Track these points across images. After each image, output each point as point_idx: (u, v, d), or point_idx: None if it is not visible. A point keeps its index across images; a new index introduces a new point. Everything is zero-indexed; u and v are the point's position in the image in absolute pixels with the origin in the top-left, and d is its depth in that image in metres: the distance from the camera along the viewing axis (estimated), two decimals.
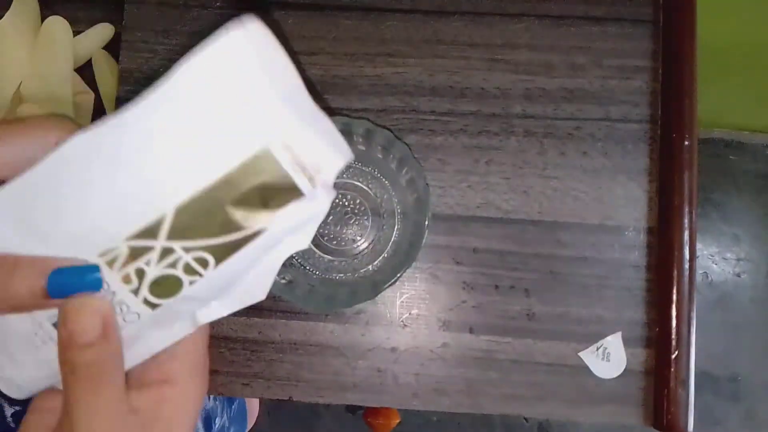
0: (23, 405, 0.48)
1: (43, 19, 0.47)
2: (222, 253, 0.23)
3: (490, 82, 0.42)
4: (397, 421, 0.66)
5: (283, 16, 0.43)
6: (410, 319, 0.40)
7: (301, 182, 0.23)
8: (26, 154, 0.21)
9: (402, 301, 0.41)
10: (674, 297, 0.39)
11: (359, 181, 0.41)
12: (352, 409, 1.09)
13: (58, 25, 0.48)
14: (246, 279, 0.26)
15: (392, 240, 0.40)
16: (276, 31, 0.36)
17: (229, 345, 0.40)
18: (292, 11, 0.43)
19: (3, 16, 0.46)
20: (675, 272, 0.39)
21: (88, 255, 0.22)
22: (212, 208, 0.23)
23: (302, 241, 0.26)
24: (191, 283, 0.24)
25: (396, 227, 0.40)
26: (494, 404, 0.40)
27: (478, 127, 0.41)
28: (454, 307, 0.40)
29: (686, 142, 0.40)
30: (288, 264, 0.39)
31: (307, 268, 0.40)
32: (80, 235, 0.22)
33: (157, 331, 0.25)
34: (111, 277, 0.23)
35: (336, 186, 0.40)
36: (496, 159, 0.41)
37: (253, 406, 0.93)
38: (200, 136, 0.21)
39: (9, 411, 0.46)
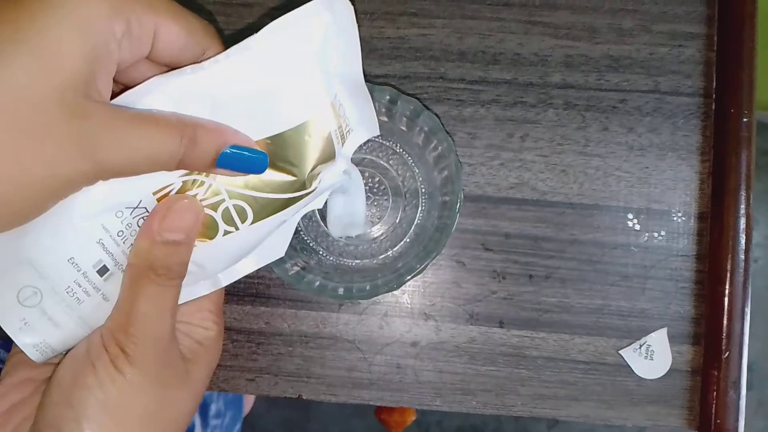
0: None
1: None
2: (260, 209, 0.25)
3: (526, 47, 0.37)
4: (413, 418, 0.63)
5: None
6: (433, 310, 0.36)
7: (338, 149, 0.25)
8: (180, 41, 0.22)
9: (425, 291, 0.37)
10: (726, 290, 0.35)
11: (378, 157, 0.37)
12: None
13: None
14: (267, 243, 0.27)
15: (415, 223, 0.36)
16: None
17: (233, 336, 0.36)
18: None
19: None
20: (729, 263, 0.35)
21: (145, 192, 0.23)
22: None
23: (318, 202, 0.28)
24: (225, 233, 0.25)
25: (420, 208, 0.36)
26: (525, 405, 0.36)
27: (512, 97, 0.37)
28: (482, 298, 0.36)
29: (744, 119, 0.36)
30: (300, 248, 0.35)
31: (321, 252, 0.36)
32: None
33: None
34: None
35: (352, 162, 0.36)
36: (531, 134, 0.37)
37: None
38: (270, 91, 0.22)
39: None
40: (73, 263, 0.23)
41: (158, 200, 0.23)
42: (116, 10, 0.19)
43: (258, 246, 0.27)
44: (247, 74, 0.22)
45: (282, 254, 0.28)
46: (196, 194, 0.24)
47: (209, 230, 0.25)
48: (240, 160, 0.23)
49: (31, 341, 0.24)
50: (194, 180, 0.24)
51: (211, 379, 0.29)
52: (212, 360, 0.27)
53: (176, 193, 0.23)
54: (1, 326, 0.23)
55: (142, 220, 0.23)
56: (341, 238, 0.36)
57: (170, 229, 0.23)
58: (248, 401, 0.89)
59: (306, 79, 0.23)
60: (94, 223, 0.22)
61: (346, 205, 0.33)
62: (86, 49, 0.19)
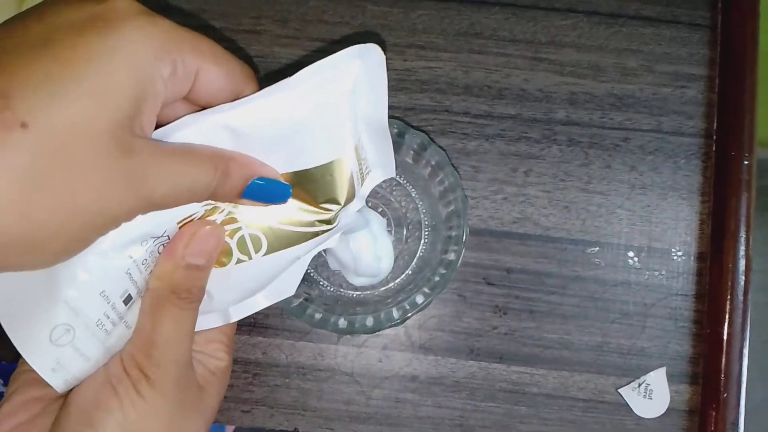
0: None
1: None
2: (275, 241, 0.25)
3: (531, 83, 0.37)
4: None
5: None
6: (433, 344, 0.36)
7: (357, 189, 0.26)
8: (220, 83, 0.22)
9: (425, 324, 0.36)
10: (725, 331, 0.36)
11: (381, 188, 0.36)
12: None
13: None
14: (278, 280, 0.27)
15: (418, 255, 0.36)
16: (293, 14, 0.31)
17: None
18: None
19: None
20: (728, 304, 0.36)
21: (170, 224, 0.23)
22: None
23: (332, 240, 0.28)
24: (238, 261, 0.25)
25: (423, 241, 0.36)
26: None
27: (516, 132, 0.37)
28: (483, 333, 0.36)
29: (745, 162, 0.36)
30: (302, 279, 0.34)
31: (322, 283, 0.35)
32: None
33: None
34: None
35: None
36: (535, 169, 0.37)
37: None
38: (300, 129, 0.23)
39: None
40: (104, 296, 0.23)
41: (180, 227, 0.24)
42: (165, 52, 0.20)
43: (270, 282, 0.27)
44: (280, 113, 0.22)
45: (292, 293, 0.28)
46: (216, 220, 0.24)
47: (223, 257, 0.25)
48: (264, 191, 0.24)
49: (62, 379, 0.23)
50: (215, 207, 0.24)
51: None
52: (222, 390, 0.27)
53: (199, 219, 0.24)
54: (34, 368, 0.23)
55: (162, 246, 0.24)
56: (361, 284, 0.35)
57: (194, 254, 0.24)
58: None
59: (335, 121, 0.23)
60: (123, 255, 0.23)
61: (367, 252, 0.32)
62: (137, 90, 0.19)
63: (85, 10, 0.19)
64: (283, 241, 0.25)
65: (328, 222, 0.25)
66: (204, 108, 0.22)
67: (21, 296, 0.22)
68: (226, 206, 0.24)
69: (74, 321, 0.23)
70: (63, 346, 0.23)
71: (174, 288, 0.24)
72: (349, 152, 0.24)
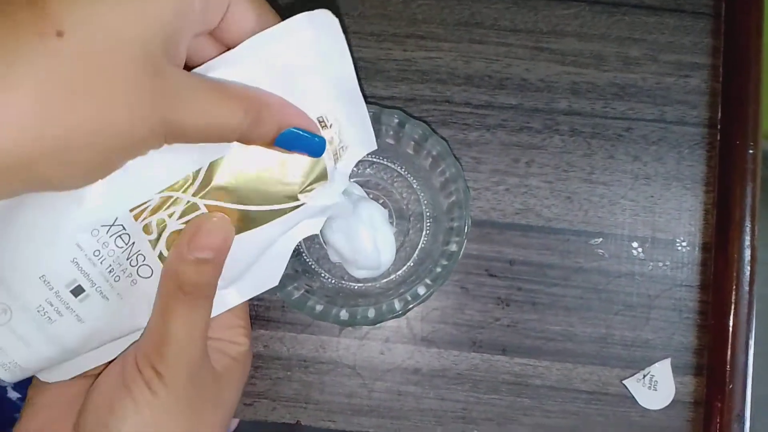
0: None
1: None
2: (241, 222, 0.24)
3: (533, 72, 0.37)
4: None
5: None
6: (436, 336, 0.36)
7: (329, 166, 0.25)
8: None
9: (427, 317, 0.36)
10: (731, 321, 0.35)
11: (382, 179, 0.36)
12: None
13: None
14: (259, 264, 0.26)
15: (419, 247, 0.36)
16: (296, 6, 0.32)
17: None
18: None
19: None
20: (733, 294, 0.35)
21: (121, 209, 0.22)
22: (244, 174, 0.23)
23: (314, 225, 0.27)
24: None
25: (424, 232, 0.36)
26: None
27: (518, 122, 0.37)
28: (485, 325, 0.36)
29: (750, 151, 0.36)
30: (302, 270, 0.34)
31: (323, 275, 0.35)
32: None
33: None
34: (133, 228, 0.23)
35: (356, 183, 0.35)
36: (537, 160, 0.37)
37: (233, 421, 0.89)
38: None
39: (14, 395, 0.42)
40: (44, 281, 0.22)
41: (134, 217, 0.23)
42: None
43: (245, 272, 0.26)
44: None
45: (275, 284, 0.27)
46: (174, 212, 0.23)
47: None
48: (298, 141, 0.23)
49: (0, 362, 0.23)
50: (170, 197, 0.23)
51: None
52: (244, 375, 0.27)
53: (152, 209, 0.23)
54: None
55: (119, 239, 0.23)
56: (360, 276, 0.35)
57: (199, 248, 0.23)
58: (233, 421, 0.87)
59: (285, 95, 0.23)
60: (68, 241, 0.22)
61: (367, 244, 0.32)
62: (175, 9, 0.19)
63: None
64: (248, 222, 0.24)
65: (292, 198, 0.25)
66: (228, 48, 0.22)
67: None
68: (182, 195, 0.23)
69: (10, 301, 0.22)
70: None
71: (180, 284, 0.23)
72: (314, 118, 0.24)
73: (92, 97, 0.18)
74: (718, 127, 0.37)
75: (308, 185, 0.25)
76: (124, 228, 0.23)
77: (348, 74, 0.23)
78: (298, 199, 0.25)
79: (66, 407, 0.25)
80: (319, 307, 0.31)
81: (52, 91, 0.17)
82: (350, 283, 0.35)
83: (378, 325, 0.36)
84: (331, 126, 0.24)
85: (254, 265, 0.26)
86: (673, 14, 0.38)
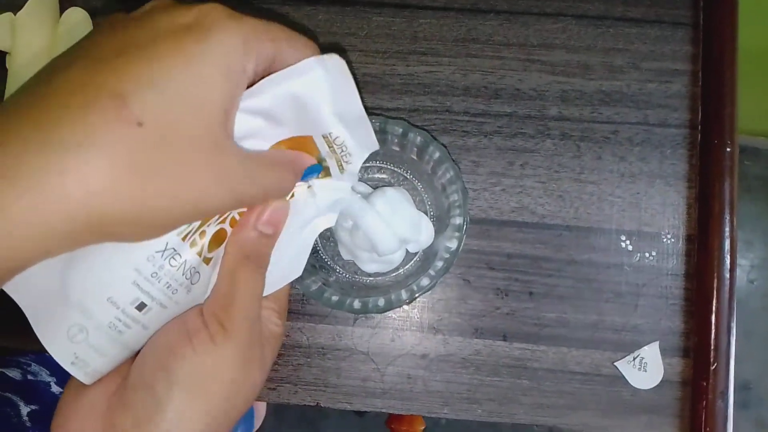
0: (40, 404, 0.47)
1: (62, 11, 0.46)
2: None
3: (525, 82, 0.41)
4: (423, 427, 0.65)
5: (313, 12, 0.42)
6: (441, 324, 0.39)
7: (332, 165, 0.30)
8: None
9: (433, 307, 0.40)
10: (713, 307, 0.38)
11: (390, 183, 0.40)
12: (360, 411, 1.08)
13: (77, 16, 0.46)
14: (283, 259, 0.30)
15: None
16: (305, 26, 0.35)
17: None
18: (322, 6, 0.42)
19: (22, 6, 0.45)
20: (715, 281, 0.38)
21: (170, 235, 0.25)
22: None
23: (329, 220, 0.32)
24: (220, 221, 0.27)
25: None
26: (526, 414, 0.39)
27: (512, 128, 0.40)
28: (486, 314, 0.39)
29: (728, 149, 0.39)
30: (319, 267, 0.38)
31: (338, 270, 0.39)
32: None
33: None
34: (183, 248, 0.26)
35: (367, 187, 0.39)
36: (531, 162, 0.40)
37: (260, 406, 0.92)
38: (272, 119, 0.26)
39: (25, 410, 0.45)
40: (112, 302, 0.25)
41: (182, 238, 0.26)
42: (250, 49, 0.23)
43: (272, 266, 0.29)
44: (261, 105, 0.26)
45: (299, 274, 0.31)
46: (210, 222, 0.27)
47: (220, 238, 0.28)
48: (306, 174, 0.29)
49: (81, 372, 0.26)
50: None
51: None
52: (275, 352, 0.30)
53: (196, 228, 0.26)
54: (57, 360, 0.26)
55: (173, 259, 0.26)
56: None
57: (264, 223, 0.27)
58: (259, 415, 0.91)
59: (298, 114, 0.27)
60: (128, 268, 0.25)
61: (381, 234, 0.35)
62: (229, 89, 0.22)
63: (181, 18, 0.22)
64: None
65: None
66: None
67: (44, 296, 0.25)
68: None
69: (86, 322, 0.25)
70: (79, 344, 0.26)
71: (247, 253, 0.27)
72: (317, 134, 0.28)
73: (168, 177, 0.21)
74: (698, 128, 0.40)
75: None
76: (175, 250, 0.26)
77: (353, 101, 0.27)
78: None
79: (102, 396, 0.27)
80: (334, 298, 0.35)
81: (135, 168, 0.20)
82: (363, 278, 0.39)
83: (388, 315, 0.39)
84: (335, 140, 0.28)
85: (279, 260, 0.30)
86: (653, 25, 0.41)
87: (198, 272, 0.27)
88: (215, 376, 0.26)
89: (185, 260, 0.26)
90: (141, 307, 0.26)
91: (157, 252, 0.25)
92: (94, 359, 0.26)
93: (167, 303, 0.27)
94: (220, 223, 0.27)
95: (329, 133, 0.28)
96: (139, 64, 0.21)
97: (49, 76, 0.21)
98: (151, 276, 0.26)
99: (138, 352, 0.27)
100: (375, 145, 0.30)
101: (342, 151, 0.29)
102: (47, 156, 0.19)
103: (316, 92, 0.26)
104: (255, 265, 0.28)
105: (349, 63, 0.40)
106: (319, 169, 0.29)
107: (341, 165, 0.30)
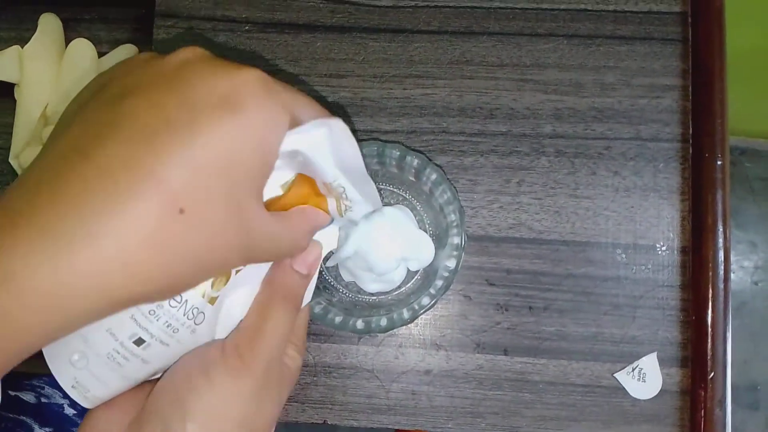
0: (54, 426, 0.48)
1: (67, 42, 0.48)
2: None
3: (519, 102, 0.42)
4: None
5: (311, 39, 0.43)
6: (444, 341, 0.40)
7: (331, 206, 0.30)
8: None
9: (435, 323, 0.41)
10: (709, 317, 0.39)
11: (390, 204, 0.41)
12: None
13: (82, 47, 0.48)
14: None
15: None
16: (303, 54, 0.35)
17: None
18: (320, 34, 0.43)
19: (29, 39, 0.46)
20: (710, 292, 0.39)
21: None
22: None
23: (330, 243, 0.33)
24: (237, 271, 0.28)
25: None
26: (529, 426, 0.40)
27: (508, 147, 0.41)
28: (487, 329, 0.40)
29: (719, 162, 0.40)
30: (322, 288, 0.39)
31: (341, 290, 0.40)
32: None
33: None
34: (189, 293, 0.27)
35: None
36: (527, 179, 0.41)
37: None
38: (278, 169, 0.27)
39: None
40: (110, 333, 0.26)
41: None
42: (283, 123, 0.24)
43: None
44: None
45: (306, 302, 0.31)
46: None
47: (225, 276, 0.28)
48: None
49: (81, 396, 0.27)
50: None
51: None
52: (292, 386, 0.31)
53: None
54: (59, 382, 0.27)
55: (173, 300, 0.27)
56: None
57: (301, 264, 0.29)
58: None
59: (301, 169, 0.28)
60: None
61: (376, 256, 0.36)
62: (261, 164, 0.23)
63: (219, 88, 0.22)
64: None
65: None
66: None
67: None
68: None
69: (87, 350, 0.26)
70: (80, 369, 0.27)
71: (283, 293, 0.28)
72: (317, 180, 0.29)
73: (200, 250, 0.22)
74: (690, 141, 0.41)
75: None
76: None
77: (356, 159, 0.28)
78: None
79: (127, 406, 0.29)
80: (338, 319, 0.36)
81: (171, 250, 0.21)
82: (365, 297, 0.40)
83: (392, 333, 0.40)
84: (336, 188, 0.29)
85: None
86: (643, 42, 0.42)
87: (202, 312, 0.27)
88: (229, 412, 0.26)
89: (186, 300, 0.27)
90: (139, 342, 0.26)
91: None
92: (95, 386, 0.27)
93: (168, 341, 0.27)
94: None
95: (330, 183, 0.28)
96: (181, 145, 0.21)
97: (81, 148, 0.21)
98: (149, 313, 0.26)
99: (154, 380, 0.28)
100: (378, 203, 0.32)
101: (344, 197, 0.30)
102: (90, 248, 0.20)
103: (320, 148, 0.27)
104: (291, 305, 0.28)
105: (347, 89, 0.42)
106: (329, 222, 0.31)
107: (341, 208, 0.30)
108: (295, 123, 0.25)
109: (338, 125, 0.27)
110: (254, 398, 0.27)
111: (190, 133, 0.21)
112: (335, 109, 0.42)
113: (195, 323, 0.27)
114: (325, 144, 0.27)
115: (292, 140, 0.26)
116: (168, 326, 0.27)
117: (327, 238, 0.32)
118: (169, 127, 0.21)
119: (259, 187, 0.24)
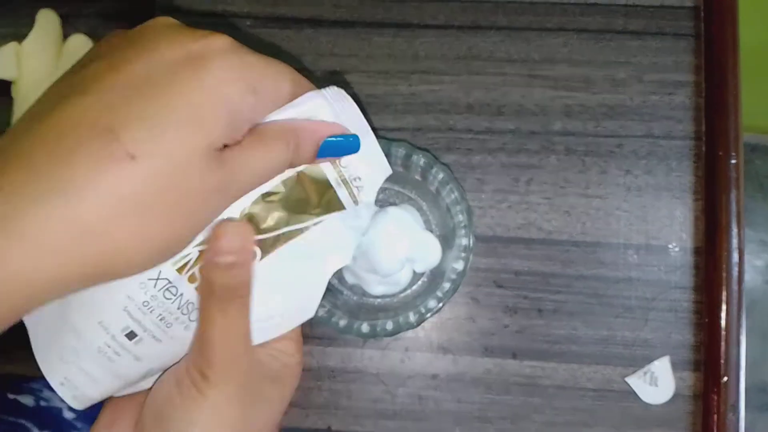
0: (53, 430, 0.48)
1: (65, 38, 0.47)
2: (267, 246, 0.27)
3: (528, 98, 0.41)
4: None
5: (314, 35, 0.42)
6: (451, 344, 0.39)
7: (343, 195, 0.28)
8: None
9: (442, 326, 0.40)
10: (723, 319, 0.38)
11: (395, 204, 0.40)
12: None
13: (80, 42, 0.47)
14: (295, 298, 0.29)
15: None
16: (306, 50, 0.36)
17: None
18: (323, 29, 0.42)
19: (26, 35, 0.45)
20: (724, 294, 0.38)
21: (164, 265, 0.25)
22: (268, 208, 0.27)
23: (344, 257, 0.30)
24: None
25: None
26: (539, 431, 0.39)
27: (516, 145, 0.40)
28: (496, 332, 0.39)
29: (733, 161, 0.39)
30: (326, 291, 0.38)
31: (345, 293, 0.39)
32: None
33: None
34: (179, 281, 0.25)
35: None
36: (536, 178, 0.40)
37: None
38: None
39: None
40: (102, 326, 0.25)
41: (178, 270, 0.25)
42: (250, 85, 0.23)
43: (282, 306, 0.29)
44: None
45: (311, 315, 0.30)
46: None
47: None
48: (336, 148, 0.26)
49: (70, 394, 0.26)
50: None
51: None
52: (294, 382, 0.29)
53: (194, 261, 0.25)
54: (48, 380, 0.26)
55: (167, 291, 0.25)
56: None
57: (221, 252, 0.24)
58: None
59: None
60: (120, 292, 0.25)
61: (381, 257, 0.35)
62: (226, 120, 0.22)
63: (184, 49, 0.22)
64: (272, 242, 0.27)
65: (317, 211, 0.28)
66: None
67: (46, 314, 0.25)
68: None
69: (77, 344, 0.25)
70: (69, 365, 0.26)
71: (212, 289, 0.25)
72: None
73: (165, 209, 0.21)
74: (703, 139, 0.40)
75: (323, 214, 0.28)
76: (169, 281, 0.25)
77: (359, 124, 0.27)
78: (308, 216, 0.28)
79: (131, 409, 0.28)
80: (342, 322, 0.35)
81: (130, 203, 0.20)
82: (370, 300, 0.39)
83: (398, 336, 0.39)
84: (344, 167, 0.28)
85: (287, 299, 0.29)
86: (655, 37, 0.41)
87: (197, 309, 0.26)
88: (209, 427, 0.25)
89: (181, 294, 0.26)
90: (131, 336, 0.26)
91: (149, 279, 0.25)
92: (84, 383, 0.26)
93: (161, 336, 0.26)
94: None
95: (338, 161, 0.27)
96: (132, 99, 0.21)
97: (42, 113, 0.21)
98: (143, 305, 0.25)
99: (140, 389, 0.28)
100: (387, 169, 0.30)
101: (352, 177, 0.29)
102: (37, 202, 0.19)
103: (322, 117, 0.26)
104: (226, 300, 0.25)
105: (351, 85, 0.41)
106: (358, 141, 0.27)
107: (354, 195, 0.29)
108: (279, 94, 0.25)
109: (333, 92, 0.26)
110: (236, 406, 0.25)
111: (145, 88, 0.21)
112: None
113: (189, 319, 0.26)
114: (323, 113, 0.26)
115: (290, 113, 0.25)
116: (161, 320, 0.26)
117: (340, 251, 0.30)
118: (126, 83, 0.21)
119: (230, 137, 0.23)
